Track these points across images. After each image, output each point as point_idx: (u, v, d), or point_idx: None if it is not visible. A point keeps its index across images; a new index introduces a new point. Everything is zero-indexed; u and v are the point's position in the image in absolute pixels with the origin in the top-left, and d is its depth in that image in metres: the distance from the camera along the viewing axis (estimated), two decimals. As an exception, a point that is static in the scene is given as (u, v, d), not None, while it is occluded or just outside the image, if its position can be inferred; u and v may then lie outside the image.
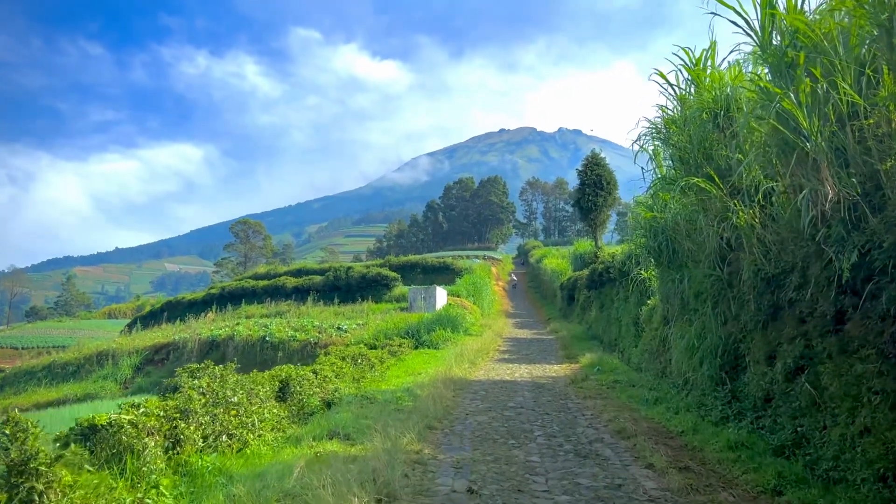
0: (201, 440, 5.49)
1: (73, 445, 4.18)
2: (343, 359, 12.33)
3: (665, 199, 10.50)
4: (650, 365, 12.62)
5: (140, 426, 4.63)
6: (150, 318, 46.41)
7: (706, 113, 7.72)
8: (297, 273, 44.76)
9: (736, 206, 6.77)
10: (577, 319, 27.02)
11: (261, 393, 6.97)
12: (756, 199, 6.69)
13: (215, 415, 5.85)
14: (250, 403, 6.53)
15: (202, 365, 6.52)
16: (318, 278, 39.49)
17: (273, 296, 39.02)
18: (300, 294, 38.08)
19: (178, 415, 5.26)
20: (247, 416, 6.29)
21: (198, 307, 42.12)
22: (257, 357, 25.20)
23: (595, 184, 28.32)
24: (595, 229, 29.33)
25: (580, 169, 29.46)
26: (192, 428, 5.37)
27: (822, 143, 4.79)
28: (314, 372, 9.86)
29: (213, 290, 44.97)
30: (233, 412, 6.07)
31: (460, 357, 15.62)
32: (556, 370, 14.63)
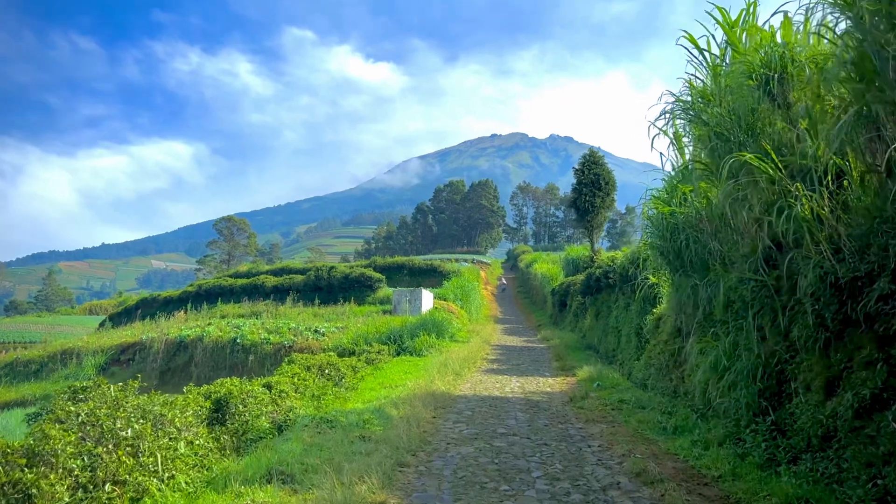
0: (67, 493, 3.87)
1: None
2: (308, 369, 10.65)
3: (685, 191, 9.03)
4: (658, 382, 11.12)
5: (-61, 486, 3.03)
6: (123, 316, 44.51)
7: (753, 78, 6.20)
8: (279, 272, 42.85)
9: (799, 191, 5.25)
10: (569, 327, 25.57)
11: (177, 420, 5.32)
12: (825, 183, 5.19)
13: (98, 455, 4.23)
14: (157, 436, 4.89)
15: (92, 383, 4.89)
16: (299, 278, 37.60)
17: (251, 295, 37.13)
18: (280, 294, 36.20)
19: (24, 461, 3.65)
20: (147, 455, 4.66)
21: (174, 305, 40.35)
22: (227, 360, 23.42)
23: (593, 183, 26.75)
24: (592, 232, 27.79)
25: (577, 168, 27.84)
26: (51, 478, 3.76)
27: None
28: (268, 386, 8.21)
29: (189, 289, 43.08)
30: (121, 452, 4.44)
31: (444, 367, 14.06)
32: (550, 384, 13.09)
